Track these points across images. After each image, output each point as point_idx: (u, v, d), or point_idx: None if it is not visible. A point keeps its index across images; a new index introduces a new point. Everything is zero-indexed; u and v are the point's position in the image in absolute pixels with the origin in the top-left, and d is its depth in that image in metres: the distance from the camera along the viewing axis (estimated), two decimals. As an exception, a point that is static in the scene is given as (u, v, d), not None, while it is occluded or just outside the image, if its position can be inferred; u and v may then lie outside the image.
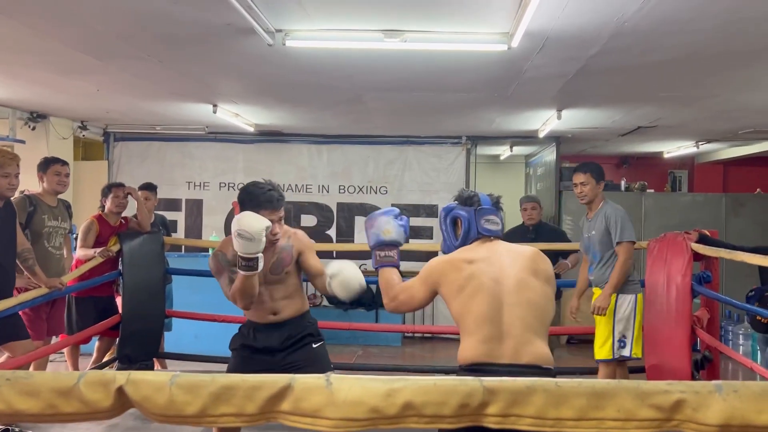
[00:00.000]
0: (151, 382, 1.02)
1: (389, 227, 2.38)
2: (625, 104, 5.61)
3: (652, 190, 8.40)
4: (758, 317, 4.30)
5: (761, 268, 4.28)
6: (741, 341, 6.73)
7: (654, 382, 0.93)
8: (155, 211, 5.71)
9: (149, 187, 5.54)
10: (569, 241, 5.47)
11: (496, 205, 2.40)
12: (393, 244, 2.39)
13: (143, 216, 5.15)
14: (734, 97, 5.16)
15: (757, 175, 9.15)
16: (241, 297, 2.77)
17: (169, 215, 7.12)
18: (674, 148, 8.60)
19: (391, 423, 0.96)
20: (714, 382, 0.90)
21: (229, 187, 7.83)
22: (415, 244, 7.64)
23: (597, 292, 4.24)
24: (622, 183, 8.45)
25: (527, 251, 2.32)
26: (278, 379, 0.99)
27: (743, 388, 0.89)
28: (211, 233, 7.55)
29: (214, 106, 5.88)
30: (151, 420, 1.09)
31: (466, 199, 2.40)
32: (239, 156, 7.83)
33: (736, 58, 3.94)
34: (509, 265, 2.23)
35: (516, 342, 2.09)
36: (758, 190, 8.63)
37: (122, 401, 1.00)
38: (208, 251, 6.93)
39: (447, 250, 2.40)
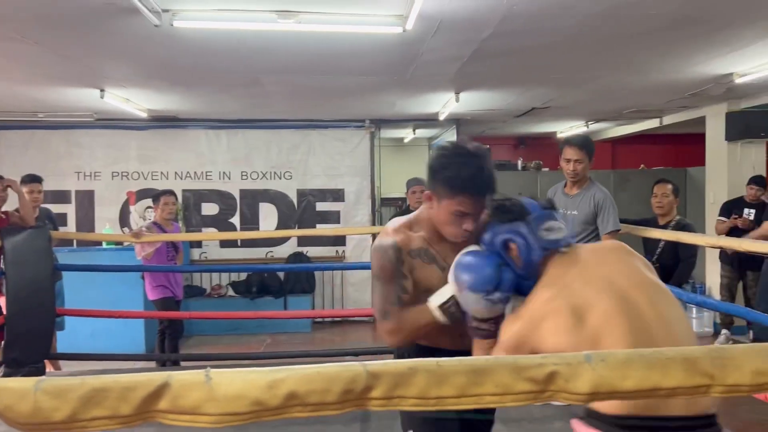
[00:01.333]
0: (13, 390, 0.94)
1: (478, 308, 1.69)
2: (519, 86, 5.80)
3: (547, 169, 8.77)
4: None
5: (645, 240, 4.57)
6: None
7: (530, 357, 0.96)
8: (42, 204, 5.35)
9: (33, 179, 5.18)
10: None
11: (549, 206, 1.75)
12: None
13: (26, 210, 4.81)
14: (617, 79, 5.45)
15: (641, 152, 9.79)
16: (412, 335, 1.91)
17: (58, 208, 6.72)
18: (566, 128, 9.01)
19: (274, 414, 0.94)
20: (584, 352, 0.95)
21: (122, 176, 7.46)
22: (322, 230, 7.63)
23: None
24: (519, 162, 8.77)
25: (626, 250, 1.68)
26: (154, 377, 0.95)
27: (610, 357, 0.94)
28: (105, 225, 7.18)
29: (102, 90, 5.55)
30: (17, 429, 1.01)
31: (506, 212, 1.69)
32: (132, 143, 7.46)
33: (614, 41, 4.15)
34: (619, 270, 1.57)
35: None
36: (642, 165, 9.23)
37: (-21, 413, 0.92)
38: (101, 245, 6.59)
39: (509, 289, 1.66)
